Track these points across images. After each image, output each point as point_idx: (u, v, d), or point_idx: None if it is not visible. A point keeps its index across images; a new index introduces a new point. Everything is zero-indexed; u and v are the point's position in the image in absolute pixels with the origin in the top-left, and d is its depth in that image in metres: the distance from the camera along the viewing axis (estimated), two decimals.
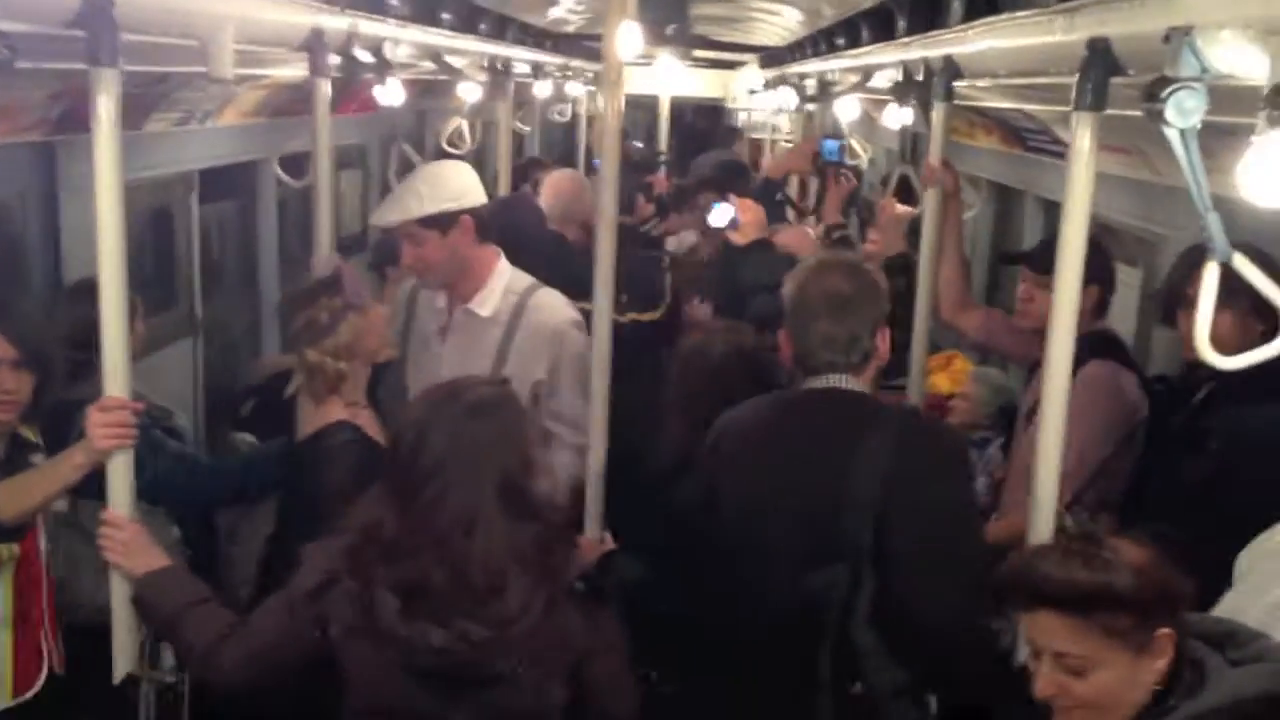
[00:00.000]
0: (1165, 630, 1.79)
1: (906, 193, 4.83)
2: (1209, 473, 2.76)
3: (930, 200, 3.72)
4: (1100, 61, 2.11)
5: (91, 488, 2.60)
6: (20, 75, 2.74)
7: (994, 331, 3.96)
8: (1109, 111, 2.21)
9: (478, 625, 2.16)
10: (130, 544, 2.50)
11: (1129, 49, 2.06)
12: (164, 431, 3.41)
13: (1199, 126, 1.75)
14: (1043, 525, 2.42)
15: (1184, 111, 1.73)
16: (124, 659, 2.57)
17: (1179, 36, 1.72)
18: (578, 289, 3.45)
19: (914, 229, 5.03)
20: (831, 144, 5.39)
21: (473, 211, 3.33)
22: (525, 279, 3.46)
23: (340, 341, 3.01)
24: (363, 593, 2.20)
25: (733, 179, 5.58)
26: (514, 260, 3.50)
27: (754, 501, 2.55)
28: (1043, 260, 3.49)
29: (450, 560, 2.16)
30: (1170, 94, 1.72)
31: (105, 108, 2.31)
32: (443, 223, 3.27)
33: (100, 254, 2.39)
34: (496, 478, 2.22)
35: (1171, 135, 1.76)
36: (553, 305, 3.42)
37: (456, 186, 3.32)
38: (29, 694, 2.79)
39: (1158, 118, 1.75)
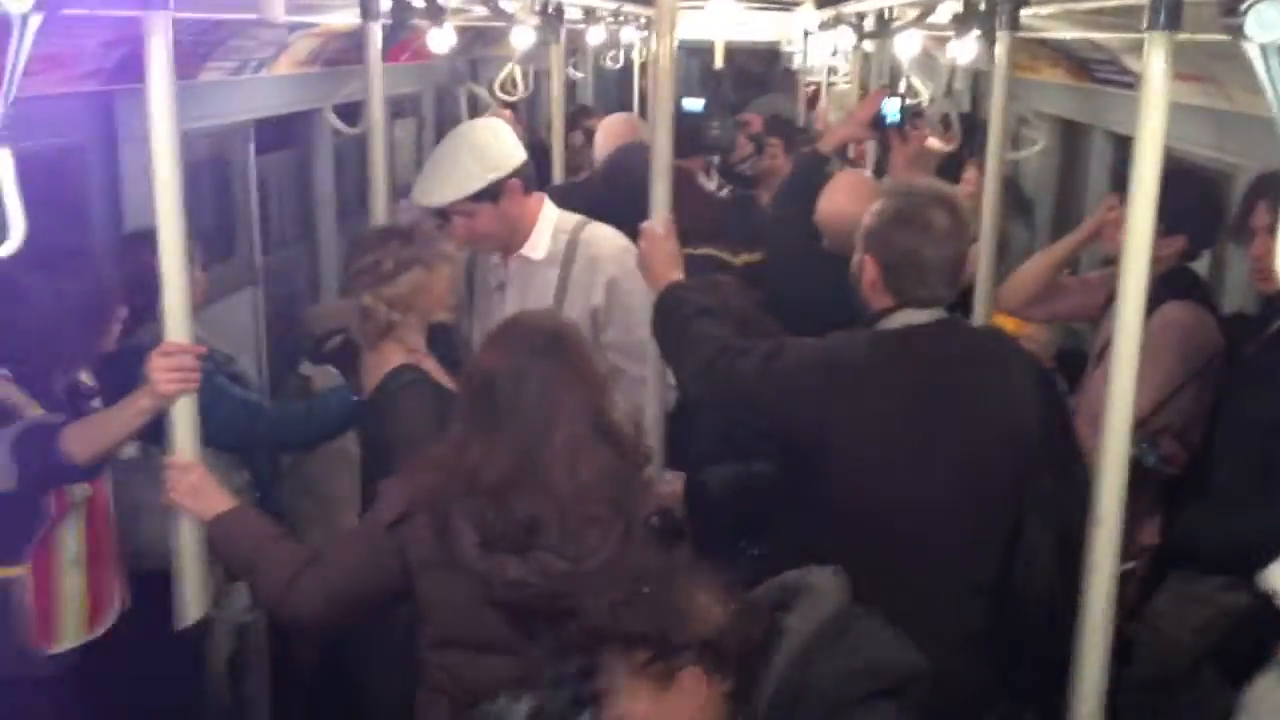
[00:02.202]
0: (692, 670, 1.85)
1: (948, 132, 4.73)
2: (1276, 408, 2.70)
3: (993, 139, 3.61)
4: None
5: (160, 433, 2.64)
6: (74, 23, 2.75)
7: (1057, 310, 3.86)
8: (1182, 38, 2.12)
9: (555, 557, 2.17)
10: (197, 487, 2.52)
11: None
12: (228, 377, 3.45)
13: None
14: (1115, 464, 2.36)
15: (1265, 25, 1.64)
16: (188, 602, 2.60)
17: None
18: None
19: (944, 167, 4.94)
20: (891, 105, 5.15)
21: (518, 171, 3.29)
22: (573, 218, 3.44)
23: (399, 291, 2.98)
24: (441, 525, 2.21)
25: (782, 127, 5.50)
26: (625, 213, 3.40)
27: (894, 450, 2.42)
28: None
29: (554, 494, 2.17)
30: (1250, 6, 1.64)
31: (159, 52, 2.30)
32: (494, 192, 3.23)
33: (158, 198, 2.39)
34: (591, 408, 2.24)
35: (1251, 51, 1.68)
36: (604, 237, 3.41)
37: (500, 152, 3.28)
38: (101, 630, 2.86)
39: (1237, 33, 1.67)
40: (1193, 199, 3.22)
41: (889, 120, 4.76)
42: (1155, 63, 2.12)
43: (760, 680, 1.89)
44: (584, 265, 3.34)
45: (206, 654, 2.68)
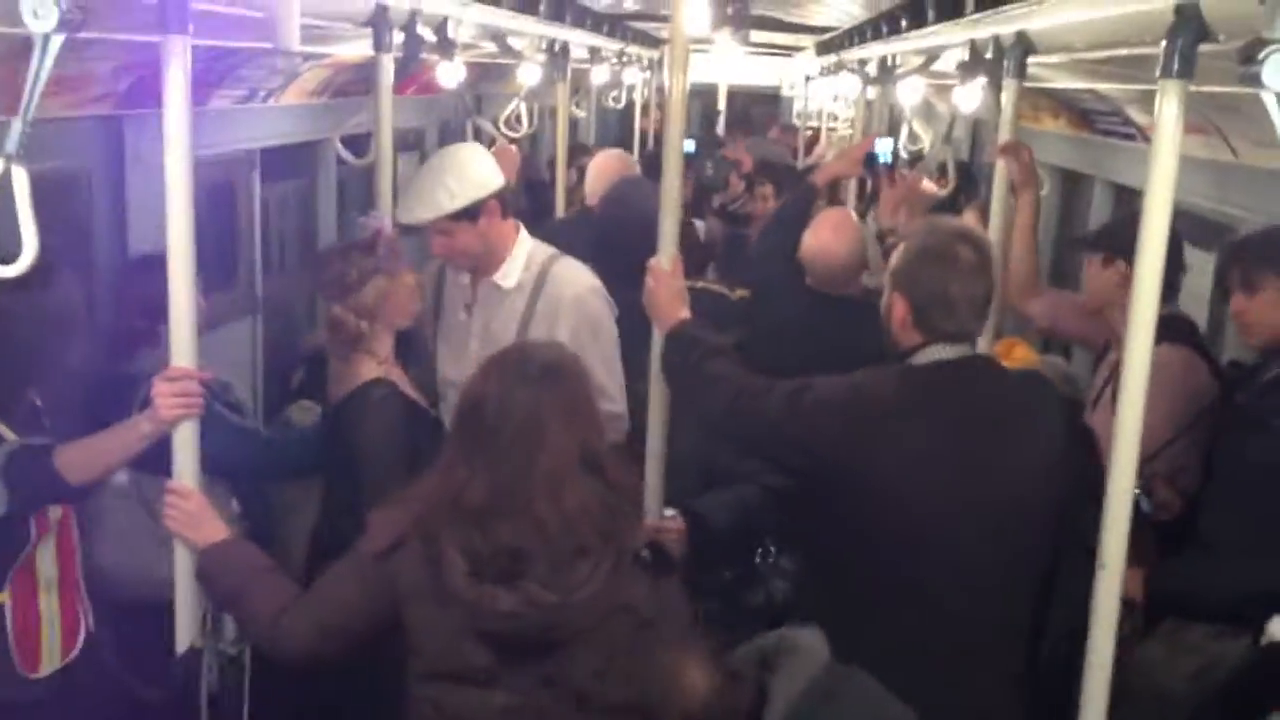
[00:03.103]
0: None
1: (942, 177, 4.78)
2: (1273, 453, 2.70)
3: (998, 182, 3.65)
4: (1189, 26, 2.04)
5: (151, 461, 2.62)
6: (89, 46, 2.76)
7: (1060, 316, 3.89)
8: (1195, 88, 2.14)
9: (545, 589, 2.15)
10: (195, 515, 2.50)
11: (1219, 13, 1.99)
12: (225, 405, 3.44)
13: None
14: (1119, 508, 2.36)
15: None
16: (186, 630, 2.57)
17: None
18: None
19: (938, 209, 4.99)
20: (882, 146, 5.23)
21: (498, 193, 3.34)
22: (547, 250, 3.47)
23: (364, 301, 3.10)
24: (431, 555, 2.19)
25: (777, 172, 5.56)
26: (626, 246, 3.49)
27: (927, 486, 2.41)
28: (1096, 240, 3.45)
29: (538, 524, 2.15)
30: (1268, 55, 1.66)
31: (176, 75, 2.31)
32: (473, 212, 3.28)
33: (169, 224, 2.39)
34: (578, 440, 2.22)
35: (1268, 100, 1.70)
36: (573, 273, 3.43)
37: (481, 173, 3.33)
38: (73, 654, 2.82)
39: (1253, 81, 1.69)
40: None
41: (880, 160, 4.84)
42: (1168, 111, 2.14)
43: None
44: (550, 300, 3.37)
45: (190, 684, 2.64)
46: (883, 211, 5.13)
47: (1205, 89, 2.23)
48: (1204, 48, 2.07)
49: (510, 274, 3.40)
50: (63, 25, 1.80)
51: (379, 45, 3.58)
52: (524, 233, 3.47)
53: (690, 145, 5.71)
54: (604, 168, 5.10)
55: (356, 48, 3.84)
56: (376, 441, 3.00)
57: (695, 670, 1.83)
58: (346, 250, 3.21)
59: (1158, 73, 2.12)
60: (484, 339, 3.34)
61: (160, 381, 2.45)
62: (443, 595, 2.19)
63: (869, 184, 5.71)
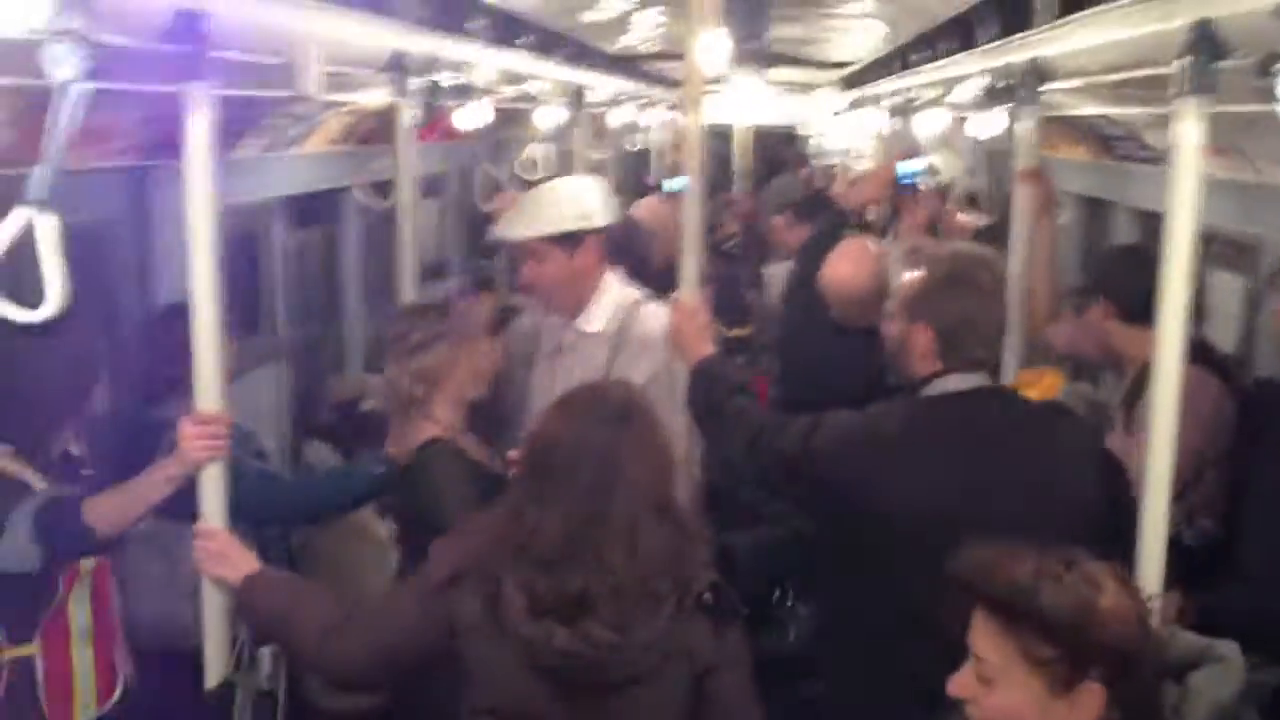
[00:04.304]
0: (1095, 685, 1.68)
1: (973, 208, 4.78)
2: None
3: (1020, 208, 3.64)
4: (1205, 44, 2.03)
5: (173, 507, 2.63)
6: (112, 97, 2.80)
7: (1081, 341, 3.86)
8: (1211, 109, 2.12)
9: (604, 628, 2.12)
10: (225, 552, 2.51)
11: (1235, 29, 1.98)
12: (249, 454, 3.44)
13: None
14: (1154, 538, 2.32)
15: None
16: (216, 668, 2.57)
17: None
18: None
19: (976, 238, 4.98)
20: (907, 167, 5.27)
21: (600, 231, 3.29)
22: (634, 294, 3.40)
23: (424, 365, 2.97)
24: (490, 591, 2.17)
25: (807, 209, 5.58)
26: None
27: (946, 518, 2.33)
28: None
29: (608, 569, 2.12)
30: None
31: (198, 124, 2.33)
32: (570, 242, 3.23)
33: (193, 271, 2.41)
34: (652, 484, 2.19)
35: None
36: (656, 316, 3.31)
37: (588, 205, 3.29)
38: (109, 706, 2.81)
39: (1271, 95, 1.68)
40: (1121, 268, 3.34)
41: (904, 179, 4.86)
42: (1187, 131, 2.13)
43: None
44: (633, 344, 3.27)
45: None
46: (902, 235, 5.14)
47: (1224, 109, 2.22)
48: (1221, 65, 2.06)
49: (596, 318, 3.33)
50: (83, 75, 1.82)
51: (398, 91, 3.62)
52: (615, 278, 3.40)
53: (679, 184, 5.77)
54: (651, 215, 5.18)
55: (377, 95, 3.88)
56: (439, 496, 2.86)
57: (1128, 601, 1.75)
58: (420, 311, 3.10)
59: (1175, 91, 2.10)
60: (568, 386, 3.23)
61: (186, 424, 2.46)
62: (501, 631, 2.17)
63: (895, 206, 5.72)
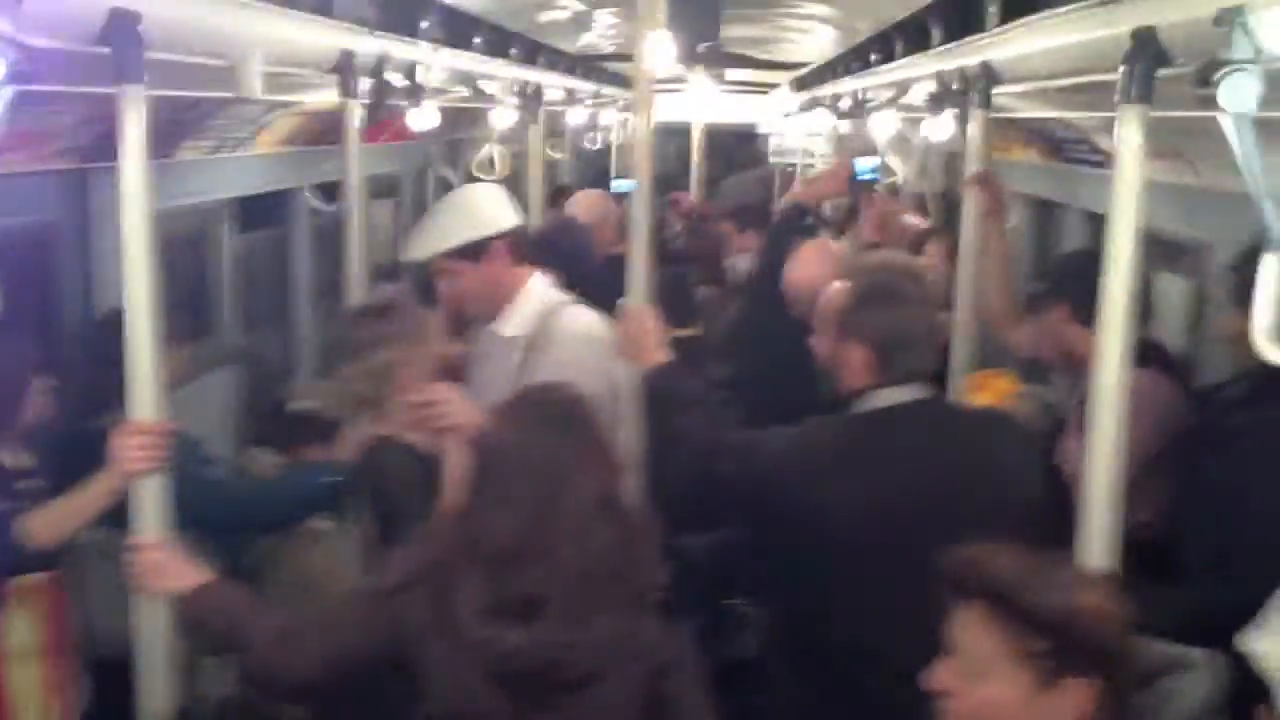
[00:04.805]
0: (1083, 681, 1.70)
1: (924, 212, 4.81)
2: (1230, 473, 2.68)
3: (970, 212, 3.65)
4: (1146, 51, 2.03)
5: (121, 517, 2.57)
6: (48, 99, 2.75)
7: (1041, 344, 3.88)
8: (1155, 113, 2.13)
9: (555, 629, 2.11)
10: (162, 564, 2.45)
11: (1176, 37, 1.98)
12: (194, 461, 3.39)
13: (1254, 112, 1.68)
14: (1098, 540, 2.32)
15: (1238, 94, 1.66)
16: (156, 690, 2.51)
17: (1231, 17, 1.65)
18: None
19: (919, 242, 5.02)
20: (865, 163, 5.29)
21: (506, 235, 3.19)
22: (557, 298, 3.26)
23: (371, 367, 2.97)
24: (441, 595, 2.16)
25: (753, 216, 5.59)
26: (571, 284, 3.36)
27: (884, 532, 2.36)
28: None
29: (560, 568, 2.12)
30: (1223, 77, 1.65)
31: (133, 127, 2.27)
32: (475, 252, 3.13)
33: (127, 275, 2.35)
34: (600, 483, 2.19)
35: (1224, 121, 1.69)
36: (574, 323, 3.18)
37: (487, 213, 3.19)
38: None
39: (1210, 103, 1.68)
40: (1080, 271, 3.33)
41: (861, 176, 4.89)
42: (1129, 136, 2.13)
43: None
44: (548, 352, 3.11)
45: None
46: (861, 233, 5.16)
47: (1167, 114, 2.23)
48: (1164, 72, 2.07)
49: (511, 321, 3.18)
50: (11, 77, 1.78)
51: (346, 91, 3.57)
52: (536, 280, 3.25)
53: (625, 185, 5.77)
54: (585, 207, 5.14)
55: (325, 95, 3.83)
56: (395, 500, 2.87)
57: (1110, 604, 1.76)
58: (361, 313, 3.09)
59: (1118, 98, 2.11)
60: (482, 393, 3.10)
61: (120, 435, 2.40)
62: (453, 634, 2.16)
63: (853, 203, 5.75)
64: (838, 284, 2.58)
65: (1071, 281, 3.37)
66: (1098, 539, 2.31)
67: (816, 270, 4.29)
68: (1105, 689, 1.71)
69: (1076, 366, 3.71)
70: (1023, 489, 2.41)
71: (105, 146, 3.18)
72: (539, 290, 3.25)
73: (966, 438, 2.46)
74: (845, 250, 5.15)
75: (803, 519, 2.41)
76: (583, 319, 3.21)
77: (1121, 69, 2.09)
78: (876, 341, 2.45)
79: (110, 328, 3.22)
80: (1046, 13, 2.74)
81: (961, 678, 1.77)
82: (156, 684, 2.51)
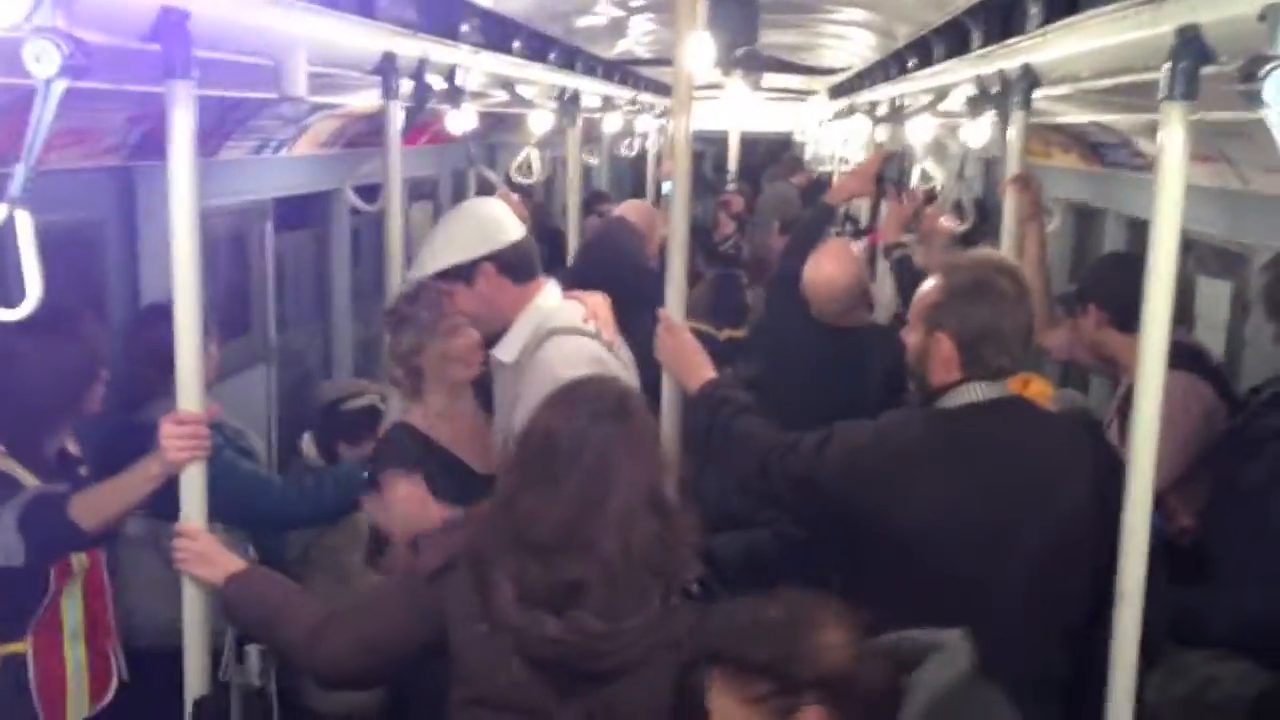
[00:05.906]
0: (814, 709, 1.71)
1: (960, 215, 4.78)
2: (1264, 476, 2.66)
3: (1008, 214, 3.64)
4: (1190, 49, 2.03)
5: (167, 508, 2.61)
6: (98, 97, 2.79)
7: (1075, 348, 3.86)
8: (1195, 115, 2.12)
9: (594, 618, 2.12)
10: (205, 553, 2.49)
11: (1221, 34, 1.97)
12: (238, 451, 3.44)
13: None
14: (1136, 540, 2.31)
15: None
16: (197, 674, 2.55)
17: (1276, 13, 1.65)
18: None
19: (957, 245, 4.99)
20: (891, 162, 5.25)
21: (495, 256, 3.01)
22: (554, 323, 3.00)
23: (399, 349, 3.06)
24: (481, 580, 2.17)
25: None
26: (616, 290, 3.25)
27: (965, 532, 2.34)
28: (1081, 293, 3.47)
29: (602, 560, 2.13)
30: (1269, 73, 1.64)
31: (181, 123, 2.31)
32: (463, 274, 3.02)
33: (175, 272, 2.39)
34: (648, 478, 2.20)
35: (1270, 117, 1.68)
36: (555, 354, 2.92)
37: (474, 233, 3.06)
38: (102, 704, 2.83)
39: (1255, 99, 1.67)
40: (1114, 276, 3.39)
41: (887, 175, 4.87)
42: (1172, 134, 2.13)
43: None
44: (531, 382, 2.84)
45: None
46: (887, 228, 5.14)
47: (1210, 116, 2.21)
48: (1207, 70, 2.06)
49: (509, 347, 3.03)
50: (65, 71, 1.81)
51: (387, 93, 3.60)
52: (537, 301, 3.06)
53: (666, 187, 5.78)
54: (636, 218, 5.16)
55: (366, 97, 3.87)
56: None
57: (840, 636, 1.78)
58: (400, 298, 3.16)
59: (1160, 96, 2.10)
60: (489, 418, 3.14)
61: (167, 424, 2.44)
62: (490, 620, 2.17)
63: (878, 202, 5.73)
64: (932, 278, 2.57)
65: (1105, 286, 3.36)
66: (1135, 538, 2.30)
67: (835, 269, 4.31)
68: (842, 706, 1.74)
69: (1110, 372, 3.70)
70: (1109, 495, 2.36)
71: (152, 144, 3.25)
72: (539, 312, 3.06)
73: (1048, 441, 2.43)
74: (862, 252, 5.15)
75: (882, 518, 2.38)
76: (559, 349, 2.95)
77: (1165, 66, 2.08)
78: (964, 335, 2.41)
79: (153, 322, 3.31)
80: (1089, 12, 2.72)
81: None
82: (198, 662, 2.54)
